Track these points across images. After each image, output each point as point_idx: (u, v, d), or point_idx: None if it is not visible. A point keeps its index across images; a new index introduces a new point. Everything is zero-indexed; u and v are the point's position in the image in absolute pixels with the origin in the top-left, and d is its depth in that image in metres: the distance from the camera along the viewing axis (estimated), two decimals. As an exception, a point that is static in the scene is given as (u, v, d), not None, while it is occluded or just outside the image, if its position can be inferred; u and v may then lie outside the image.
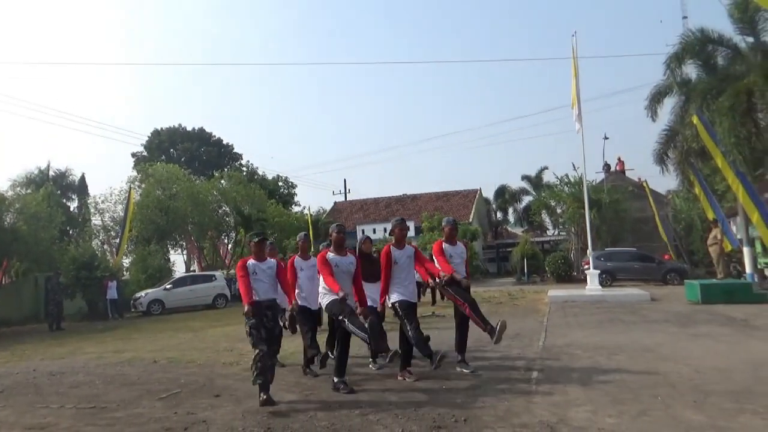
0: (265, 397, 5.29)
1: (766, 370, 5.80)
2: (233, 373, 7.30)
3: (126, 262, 27.01)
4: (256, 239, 5.85)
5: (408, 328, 6.00)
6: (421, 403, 5.13)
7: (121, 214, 26.67)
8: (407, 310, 6.09)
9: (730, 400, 4.72)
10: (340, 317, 5.68)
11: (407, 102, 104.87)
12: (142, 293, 21.42)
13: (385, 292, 6.29)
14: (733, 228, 19.54)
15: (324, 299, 6.06)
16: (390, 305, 6.32)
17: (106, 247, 28.05)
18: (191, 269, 30.74)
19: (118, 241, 25.44)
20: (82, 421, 5.25)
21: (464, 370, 6.31)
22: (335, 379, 5.81)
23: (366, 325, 5.59)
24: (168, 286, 21.69)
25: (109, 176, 66.73)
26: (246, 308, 5.46)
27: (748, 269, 16.67)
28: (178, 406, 5.59)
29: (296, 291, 6.77)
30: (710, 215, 17.01)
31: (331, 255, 6.01)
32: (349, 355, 6.01)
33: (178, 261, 32.84)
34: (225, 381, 6.76)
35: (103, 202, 28.92)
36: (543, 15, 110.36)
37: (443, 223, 6.79)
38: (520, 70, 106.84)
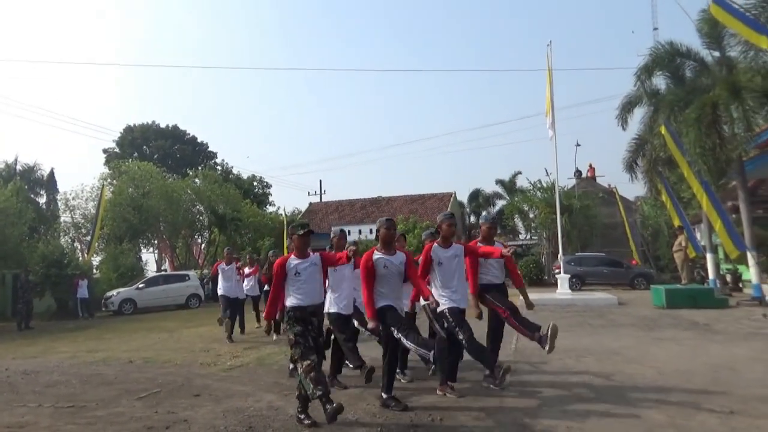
0: (331, 407, 4.42)
1: (723, 372, 6.13)
2: (211, 373, 7.37)
3: (96, 260, 26.60)
4: (301, 231, 4.99)
5: (461, 336, 5.34)
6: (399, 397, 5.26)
7: (93, 211, 26.28)
8: (458, 316, 5.42)
9: (689, 401, 5.00)
10: (396, 332, 5.02)
11: (384, 106, 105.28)
12: (114, 292, 21.15)
13: (420, 294, 5.71)
14: (698, 235, 20.20)
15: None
16: (429, 309, 5.84)
17: (76, 244, 27.59)
18: (162, 268, 30.41)
19: (89, 238, 25.03)
20: (61, 420, 5.28)
21: (490, 386, 5.71)
22: (384, 396, 5.19)
23: (425, 340, 5.04)
24: (140, 286, 21.46)
25: (79, 172, 65.49)
26: (264, 325, 4.75)
27: (710, 275, 17.28)
28: (158, 405, 5.65)
29: (328, 294, 6.07)
30: (676, 222, 17.54)
31: (378, 255, 5.22)
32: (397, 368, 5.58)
33: (149, 260, 32.49)
34: (203, 381, 6.82)
35: (73, 198, 28.46)
36: (520, 25, 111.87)
37: (481, 221, 6.17)
38: (495, 78, 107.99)
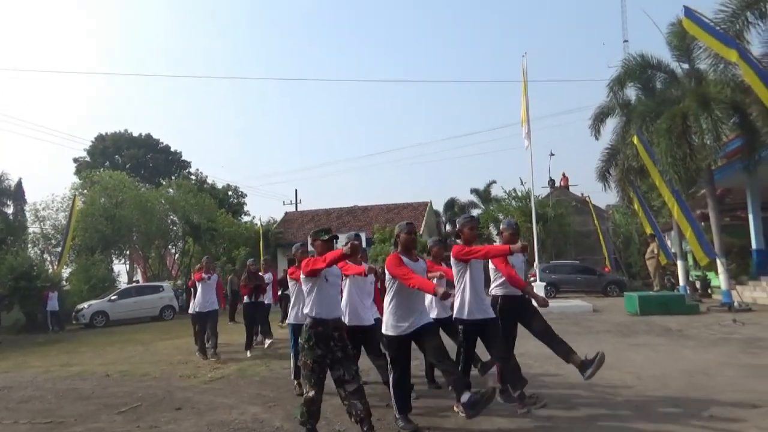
0: None
1: (698, 377, 6.29)
2: (192, 385, 7.28)
3: (66, 272, 25.97)
4: (326, 236, 4.64)
5: (460, 358, 5.22)
6: (386, 413, 5.27)
7: (63, 221, 25.73)
8: (469, 336, 5.22)
9: (669, 405, 5.12)
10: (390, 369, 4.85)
11: (360, 115, 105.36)
12: (85, 305, 20.59)
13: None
14: (668, 242, 20.67)
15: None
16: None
17: (46, 256, 26.93)
18: (134, 280, 29.86)
19: (59, 249, 24.46)
20: (39, 436, 5.17)
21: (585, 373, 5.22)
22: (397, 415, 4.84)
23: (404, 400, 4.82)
24: (113, 298, 20.98)
25: (48, 182, 63.84)
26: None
27: (681, 282, 17.69)
28: (140, 419, 5.56)
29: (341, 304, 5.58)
30: (647, 230, 17.94)
31: (406, 260, 4.81)
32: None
33: (122, 271, 31.85)
34: (184, 394, 6.73)
35: (44, 209, 27.76)
36: (495, 36, 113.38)
37: (503, 227, 5.80)
38: (471, 88, 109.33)
